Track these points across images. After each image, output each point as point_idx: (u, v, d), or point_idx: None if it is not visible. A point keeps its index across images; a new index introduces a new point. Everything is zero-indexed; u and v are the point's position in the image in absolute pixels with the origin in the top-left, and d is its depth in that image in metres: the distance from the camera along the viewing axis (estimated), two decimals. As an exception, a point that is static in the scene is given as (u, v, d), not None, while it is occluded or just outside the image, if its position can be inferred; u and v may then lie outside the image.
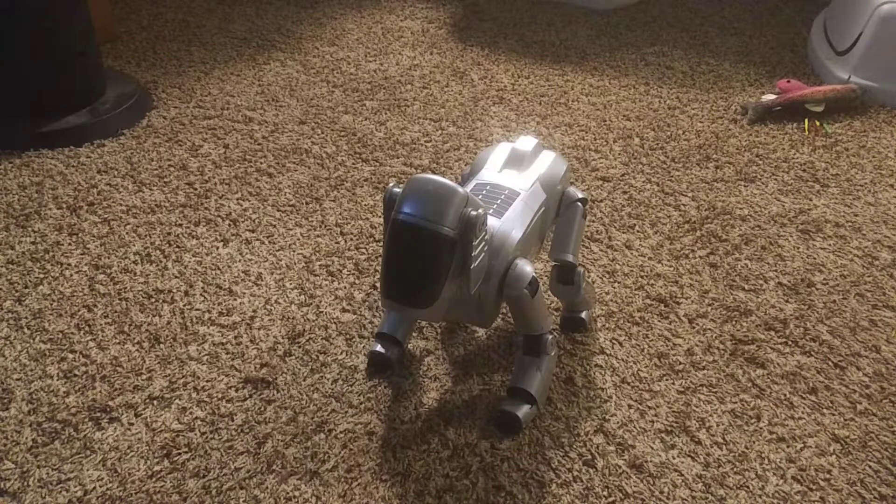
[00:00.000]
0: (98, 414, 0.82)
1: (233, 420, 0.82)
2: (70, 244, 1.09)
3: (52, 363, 0.89)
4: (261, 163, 1.29)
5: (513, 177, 0.84)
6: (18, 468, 0.76)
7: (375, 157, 1.32)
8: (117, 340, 0.92)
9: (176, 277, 1.03)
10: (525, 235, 0.79)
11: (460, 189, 0.70)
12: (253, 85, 1.57)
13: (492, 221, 0.77)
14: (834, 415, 0.85)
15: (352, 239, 1.11)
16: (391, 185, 0.74)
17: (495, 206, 0.79)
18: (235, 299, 0.99)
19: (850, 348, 0.94)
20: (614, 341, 0.94)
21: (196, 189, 1.22)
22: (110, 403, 0.83)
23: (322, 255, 1.08)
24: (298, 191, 1.22)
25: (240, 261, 1.06)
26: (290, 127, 1.41)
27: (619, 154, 1.35)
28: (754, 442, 0.81)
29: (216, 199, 1.20)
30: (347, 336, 0.94)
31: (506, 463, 0.78)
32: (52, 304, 0.98)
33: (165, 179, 1.25)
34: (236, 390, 0.86)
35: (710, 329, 0.96)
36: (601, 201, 1.21)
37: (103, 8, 1.70)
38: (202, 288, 1.01)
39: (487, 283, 0.76)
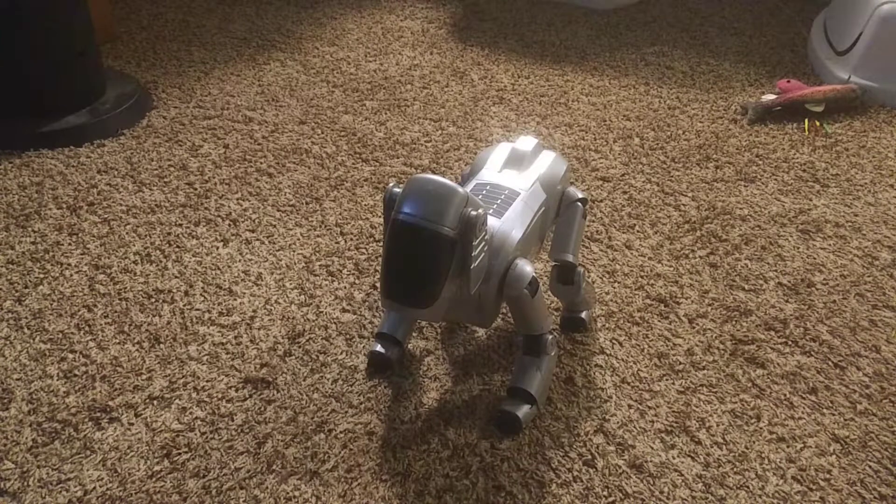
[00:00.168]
0: (98, 414, 0.82)
1: (233, 420, 0.82)
2: (70, 244, 1.09)
3: (52, 363, 0.89)
4: (261, 163, 1.29)
5: (513, 177, 0.84)
6: (18, 468, 0.76)
7: (375, 157, 1.32)
8: (117, 340, 0.92)
9: (176, 277, 1.03)
10: (525, 235, 0.79)
11: (460, 189, 0.70)
12: (253, 85, 1.57)
13: (492, 221, 0.77)
14: (834, 415, 0.85)
15: (352, 239, 1.11)
16: (391, 185, 0.74)
17: (495, 206, 0.79)
18: (235, 299, 0.99)
19: (850, 348, 0.94)
20: (614, 341, 0.94)
21: (196, 189, 1.22)
22: (110, 403, 0.83)
23: (322, 255, 1.08)
24: (298, 191, 1.22)
25: (240, 261, 1.06)
26: (290, 127, 1.41)
27: (619, 154, 1.35)
28: (754, 442, 0.81)
29: (216, 199, 1.20)
30: (347, 336, 0.94)
31: (506, 463, 0.78)
32: (52, 304, 0.98)
33: (165, 179, 1.25)
34: (236, 390, 0.86)
35: (710, 329, 0.96)
36: (601, 201, 1.21)
37: (103, 8, 1.70)
38: (202, 288, 1.01)
39: (487, 283, 0.76)
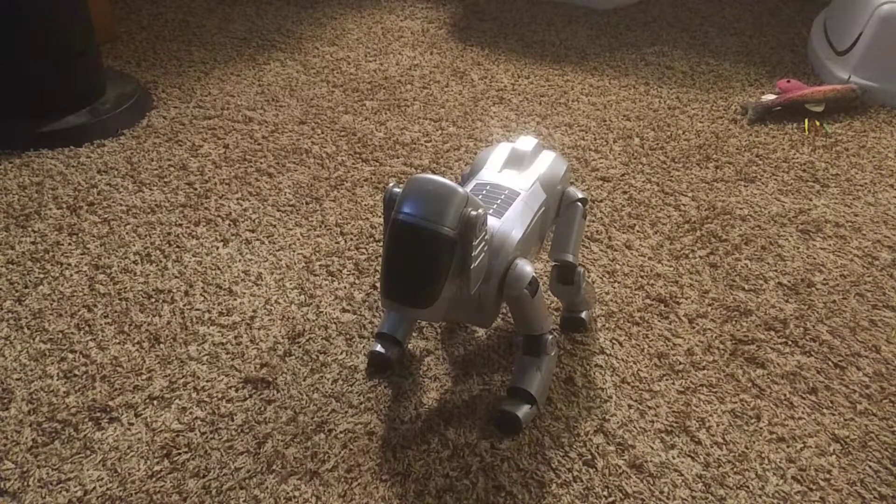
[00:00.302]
0: (98, 414, 0.82)
1: (233, 420, 0.82)
2: (70, 244, 1.09)
3: (52, 363, 0.89)
4: (261, 163, 1.29)
5: (513, 177, 0.84)
6: (18, 468, 0.76)
7: (375, 157, 1.32)
8: (117, 340, 0.92)
9: (176, 277, 1.03)
10: (525, 235, 0.79)
11: (460, 189, 0.70)
12: (253, 85, 1.57)
13: (492, 221, 0.77)
14: (834, 415, 0.85)
15: (352, 239, 1.11)
16: (391, 185, 0.74)
17: (495, 206, 0.79)
18: (235, 299, 0.99)
19: (850, 348, 0.94)
20: (614, 341, 0.94)
21: (196, 189, 1.22)
22: (110, 403, 0.83)
23: (322, 255, 1.08)
24: (298, 191, 1.22)
25: (240, 261, 1.06)
26: (290, 127, 1.41)
27: (619, 154, 1.35)
28: (754, 442, 0.81)
29: (216, 199, 1.20)
30: (347, 336, 0.94)
31: (506, 463, 0.78)
32: (52, 304, 0.98)
33: (165, 179, 1.25)
34: (236, 390, 0.86)
35: (710, 329, 0.96)
36: (601, 201, 1.21)
37: (103, 8, 1.70)
38: (202, 288, 1.01)
39: (487, 283, 0.76)
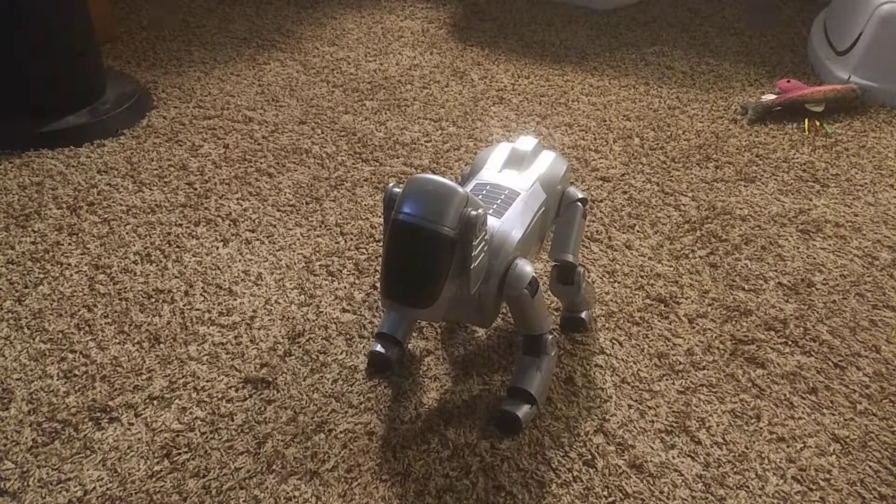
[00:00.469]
0: (98, 414, 0.82)
1: (233, 420, 0.82)
2: (70, 244, 1.09)
3: (52, 363, 0.89)
4: (261, 163, 1.29)
5: (513, 177, 0.84)
6: (18, 468, 0.76)
7: (375, 157, 1.32)
8: (117, 340, 0.92)
9: (176, 277, 1.03)
10: (525, 235, 0.79)
11: (460, 189, 0.70)
12: (253, 85, 1.57)
13: (492, 221, 0.77)
14: (834, 415, 0.85)
15: (352, 239, 1.11)
16: (391, 185, 0.74)
17: (495, 206, 0.79)
18: (235, 299, 0.99)
19: (850, 348, 0.94)
20: (614, 341, 0.94)
21: (196, 189, 1.22)
22: (110, 403, 0.83)
23: (322, 255, 1.08)
24: (298, 191, 1.22)
25: (240, 261, 1.06)
26: (290, 127, 1.41)
27: (619, 154, 1.35)
28: (754, 442, 0.81)
29: (216, 199, 1.20)
30: (347, 336, 0.94)
31: (506, 463, 0.78)
32: (52, 304, 0.98)
33: (165, 179, 1.25)
34: (236, 390, 0.86)
35: (710, 329, 0.96)
36: (601, 201, 1.21)
37: (103, 8, 1.70)
38: (202, 288, 1.01)
39: (487, 283, 0.76)
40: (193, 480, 0.75)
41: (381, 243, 1.10)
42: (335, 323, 0.96)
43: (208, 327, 0.94)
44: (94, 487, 0.74)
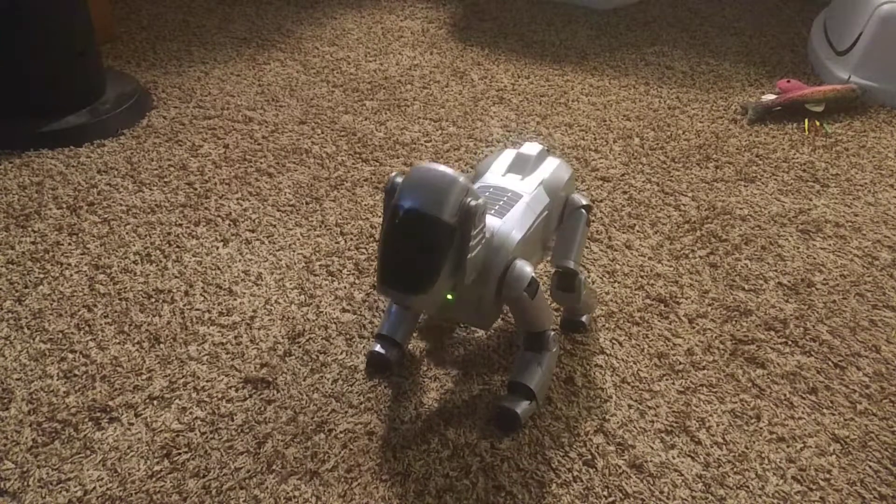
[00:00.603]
0: (98, 414, 0.82)
1: (233, 420, 0.82)
2: (70, 244, 1.09)
3: (52, 363, 0.89)
4: (261, 163, 1.29)
5: (516, 180, 0.84)
6: (18, 468, 0.76)
7: (375, 157, 1.32)
8: (117, 340, 0.92)
9: (176, 277, 1.03)
10: (526, 237, 0.79)
11: (461, 178, 0.71)
12: (253, 85, 1.57)
13: (493, 222, 0.77)
14: (834, 415, 0.85)
15: (352, 239, 1.11)
16: (394, 174, 0.74)
17: (497, 207, 0.79)
18: (235, 299, 0.99)
19: (850, 348, 0.94)
20: (614, 341, 0.94)
21: (196, 189, 1.22)
22: (110, 403, 0.83)
23: (322, 255, 1.08)
24: (298, 191, 1.22)
25: (240, 261, 1.06)
26: (290, 127, 1.41)
27: (619, 154, 1.35)
28: (754, 442, 0.81)
29: (216, 199, 1.20)
30: (347, 336, 0.94)
31: (506, 463, 0.78)
32: (52, 304, 0.98)
33: (165, 179, 1.25)
34: (236, 390, 0.86)
35: (710, 329, 0.96)
36: (601, 201, 1.21)
37: (103, 8, 1.70)
38: (202, 288, 1.01)
39: (486, 284, 0.75)
40: (193, 480, 0.75)
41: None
42: (335, 323, 0.96)
43: (208, 327, 0.94)
44: (94, 487, 0.74)
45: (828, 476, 0.78)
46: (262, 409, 0.83)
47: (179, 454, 0.78)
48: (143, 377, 0.87)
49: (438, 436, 0.81)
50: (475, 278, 0.74)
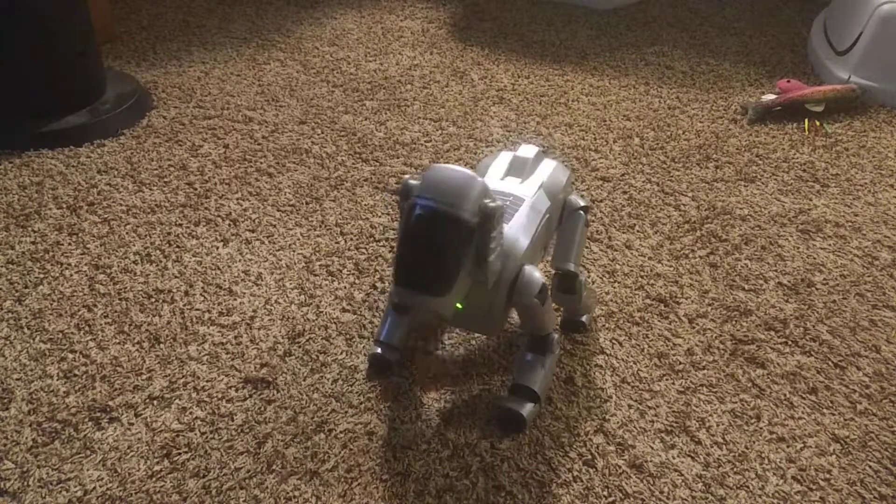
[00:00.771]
0: (98, 414, 0.82)
1: (233, 420, 0.82)
2: (70, 244, 1.09)
3: (52, 363, 0.89)
4: (261, 163, 1.29)
5: (515, 184, 0.84)
6: (18, 468, 0.76)
7: (375, 157, 1.32)
8: (117, 340, 0.92)
9: (176, 277, 1.03)
10: (532, 242, 0.78)
11: (480, 179, 0.70)
12: (253, 85, 1.57)
13: None
14: (834, 415, 0.85)
15: (352, 239, 1.11)
16: (407, 177, 0.73)
17: None
18: (235, 299, 0.99)
19: (850, 348, 0.94)
20: (614, 341, 0.94)
21: (196, 189, 1.22)
22: (110, 403, 0.83)
23: (322, 255, 1.08)
24: (298, 191, 1.22)
25: (240, 261, 1.06)
26: (290, 127, 1.41)
27: (619, 154, 1.35)
28: (754, 442, 0.81)
29: (216, 199, 1.20)
30: (347, 336, 0.94)
31: (506, 463, 0.78)
32: (52, 304, 0.98)
33: (165, 179, 1.25)
34: (236, 390, 0.86)
35: (710, 329, 0.96)
36: (601, 201, 1.21)
37: (103, 8, 1.70)
38: (202, 288, 1.01)
39: (497, 290, 0.75)
40: (193, 480, 0.75)
41: (381, 241, 1.10)
42: (335, 323, 0.96)
43: (208, 327, 0.94)
44: (94, 487, 0.74)
45: (828, 476, 0.78)
46: (262, 409, 0.83)
47: (179, 454, 0.78)
48: (143, 377, 0.87)
49: (438, 436, 0.81)
50: (484, 286, 0.74)
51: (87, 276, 1.03)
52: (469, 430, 0.81)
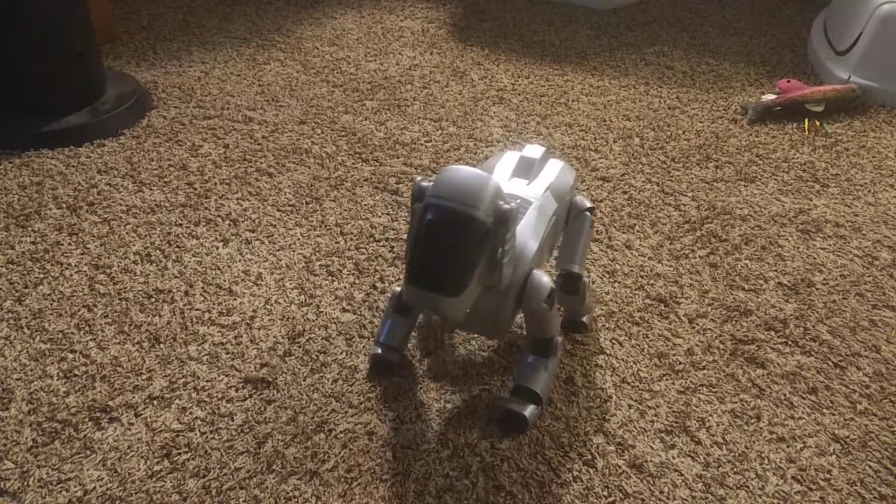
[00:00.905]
0: (98, 414, 0.82)
1: (233, 420, 0.82)
2: (70, 244, 1.09)
3: (52, 363, 0.89)
4: (261, 163, 1.29)
5: (522, 185, 0.83)
6: (18, 468, 0.76)
7: (375, 157, 1.32)
8: (117, 340, 0.92)
9: (176, 277, 1.03)
10: (540, 246, 0.78)
11: (494, 180, 0.70)
12: (253, 85, 1.57)
13: None
14: (834, 415, 0.85)
15: (352, 239, 1.11)
16: (419, 178, 0.73)
17: None
18: (235, 299, 0.99)
19: (850, 348, 0.94)
20: (614, 341, 0.94)
21: (196, 189, 1.22)
22: (110, 403, 0.83)
23: (322, 255, 1.08)
24: (298, 191, 1.22)
25: (240, 261, 1.06)
26: (290, 127, 1.41)
27: (619, 154, 1.35)
28: (754, 442, 0.81)
29: (216, 199, 1.20)
30: (347, 336, 0.94)
31: (506, 463, 0.78)
32: (52, 304, 0.98)
33: (165, 179, 1.25)
34: (236, 390, 0.86)
35: (710, 329, 0.96)
36: (601, 201, 1.21)
37: (103, 8, 1.70)
38: (202, 288, 1.01)
39: (506, 294, 0.75)
40: (193, 480, 0.75)
41: (383, 241, 1.10)
42: (335, 323, 0.96)
43: (208, 327, 0.94)
44: (94, 487, 0.74)
45: (828, 476, 0.78)
46: (262, 409, 0.83)
47: (179, 454, 0.78)
48: (143, 377, 0.87)
49: (438, 436, 0.81)
50: (493, 290, 0.74)
51: (87, 276, 1.03)
52: (469, 430, 0.81)
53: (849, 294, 1.03)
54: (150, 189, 1.22)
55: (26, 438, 0.79)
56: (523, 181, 0.84)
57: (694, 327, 0.96)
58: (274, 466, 0.77)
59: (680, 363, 0.91)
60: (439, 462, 0.78)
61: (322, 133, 1.39)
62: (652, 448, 0.80)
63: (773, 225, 1.17)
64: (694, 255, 1.09)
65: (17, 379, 0.86)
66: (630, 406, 0.85)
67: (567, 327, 0.95)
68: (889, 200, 1.24)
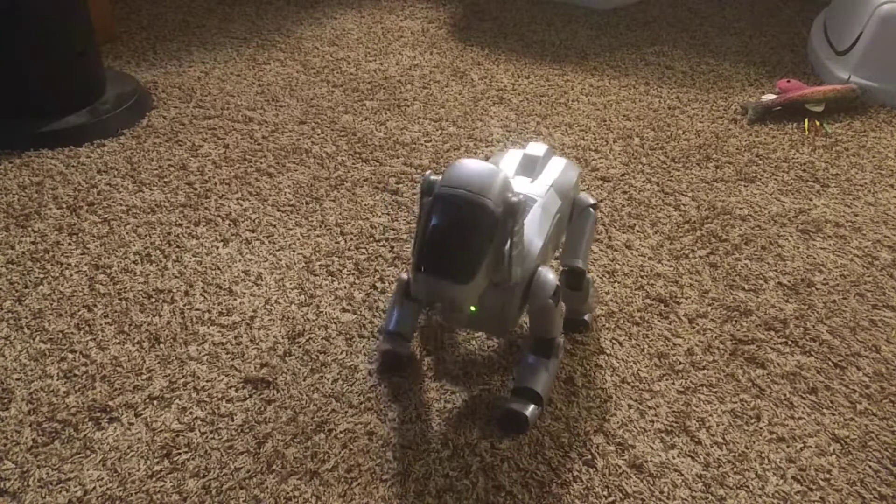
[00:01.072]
0: (98, 414, 0.82)
1: (233, 420, 0.82)
2: (70, 244, 1.09)
3: (52, 363, 0.89)
4: (261, 163, 1.29)
5: (526, 183, 0.83)
6: (18, 468, 0.76)
7: (375, 157, 1.32)
8: (117, 340, 0.92)
9: (176, 277, 1.03)
10: (545, 243, 0.78)
11: (503, 172, 0.71)
12: (253, 85, 1.57)
13: None
14: (834, 415, 0.85)
15: (352, 239, 1.11)
16: (427, 172, 0.73)
17: None
18: (235, 299, 0.99)
19: (850, 348, 0.94)
20: (614, 341, 0.94)
21: (196, 189, 1.22)
22: (110, 403, 0.83)
23: (322, 255, 1.08)
24: (298, 191, 1.22)
25: (240, 261, 1.06)
26: (290, 127, 1.41)
27: (619, 154, 1.35)
28: (754, 442, 0.81)
29: (216, 199, 1.20)
30: (347, 336, 0.94)
31: (506, 463, 0.78)
32: (52, 304, 0.98)
33: (165, 179, 1.25)
34: (236, 390, 0.86)
35: (710, 329, 0.96)
36: (601, 201, 1.21)
37: (103, 8, 1.70)
38: (202, 288, 1.01)
39: (512, 291, 0.75)
40: (193, 480, 0.75)
41: (383, 241, 1.10)
42: (335, 323, 0.96)
43: (208, 327, 0.94)
44: (94, 487, 0.74)
45: (828, 476, 0.78)
46: (262, 409, 0.83)
47: (179, 454, 0.78)
48: (143, 377, 0.87)
49: (438, 436, 0.81)
50: (499, 287, 0.74)
51: (87, 276, 1.03)
52: (469, 430, 0.81)
53: (849, 294, 1.03)
54: (150, 189, 1.22)
55: (26, 438, 0.79)
56: (527, 179, 0.84)
57: (694, 327, 0.96)
58: (274, 466, 0.77)
59: (680, 363, 0.91)
60: (439, 462, 0.78)
61: (322, 133, 1.39)
62: (652, 448, 0.80)
63: (773, 225, 1.17)
64: (694, 255, 1.09)
65: (17, 379, 0.86)
66: (630, 406, 0.85)
67: (569, 326, 0.95)
68: (889, 200, 1.24)
